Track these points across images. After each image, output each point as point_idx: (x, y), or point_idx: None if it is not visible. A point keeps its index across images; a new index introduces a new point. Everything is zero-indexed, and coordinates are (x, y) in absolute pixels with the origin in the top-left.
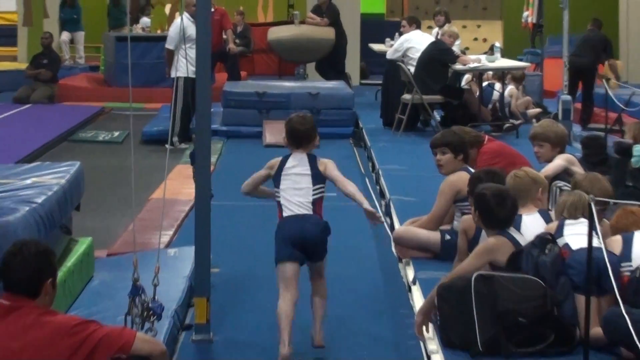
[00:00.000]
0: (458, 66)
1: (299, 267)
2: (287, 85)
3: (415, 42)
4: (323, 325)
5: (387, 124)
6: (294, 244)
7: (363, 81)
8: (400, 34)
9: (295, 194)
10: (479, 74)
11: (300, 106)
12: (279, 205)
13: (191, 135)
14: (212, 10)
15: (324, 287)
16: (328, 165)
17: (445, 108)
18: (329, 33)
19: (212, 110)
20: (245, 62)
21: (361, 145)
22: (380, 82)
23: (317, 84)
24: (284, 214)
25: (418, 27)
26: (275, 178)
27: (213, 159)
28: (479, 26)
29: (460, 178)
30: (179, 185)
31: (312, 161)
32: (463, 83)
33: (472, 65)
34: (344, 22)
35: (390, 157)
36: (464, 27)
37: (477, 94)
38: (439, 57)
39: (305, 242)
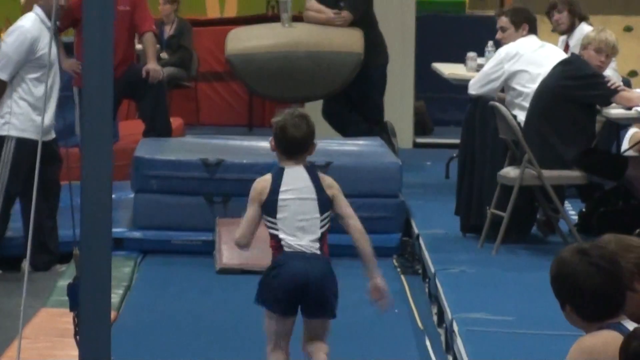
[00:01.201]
0: (616, 111)
1: (294, 321)
2: (266, 146)
3: (527, 60)
4: None
5: (470, 229)
6: (294, 291)
7: (421, 139)
8: (497, 44)
9: (299, 227)
10: None
11: None
12: (274, 237)
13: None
14: None
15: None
16: (337, 195)
17: (589, 196)
18: (352, 41)
19: (112, 197)
20: (181, 99)
21: (416, 272)
22: (455, 141)
23: (328, 145)
24: (284, 249)
25: (533, 30)
26: (268, 204)
27: (114, 298)
28: None
29: (603, 341)
30: (46, 349)
31: (315, 180)
32: (625, 145)
33: None
34: (384, 20)
35: (475, 297)
36: (628, 29)
37: None
38: (575, 92)
39: (309, 291)
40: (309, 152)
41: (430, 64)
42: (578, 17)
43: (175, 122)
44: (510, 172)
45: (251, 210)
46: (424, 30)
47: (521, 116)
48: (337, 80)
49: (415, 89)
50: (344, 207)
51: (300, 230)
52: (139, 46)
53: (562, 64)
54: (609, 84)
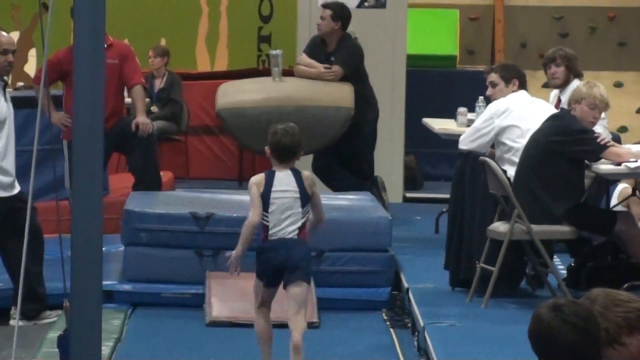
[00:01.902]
0: (605, 167)
1: (277, 290)
2: None
3: (518, 115)
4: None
5: (459, 283)
6: (274, 270)
7: (411, 194)
8: (488, 100)
9: (284, 219)
10: None
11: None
12: (265, 227)
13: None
14: (106, 45)
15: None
16: (315, 192)
17: (578, 251)
18: (342, 96)
19: (102, 250)
20: (171, 153)
21: (405, 326)
22: (445, 196)
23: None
24: (270, 238)
25: (523, 85)
26: (262, 200)
27: (104, 350)
28: None
29: None
30: None
31: (299, 180)
32: (614, 200)
33: (633, 164)
34: (375, 74)
35: (464, 351)
36: (618, 85)
37: None
38: (565, 147)
39: (286, 266)
40: (297, 157)
41: (420, 118)
42: (574, 73)
43: (165, 175)
44: (499, 226)
45: (255, 195)
46: (415, 85)
47: (511, 171)
48: (327, 135)
49: (405, 143)
50: (318, 202)
51: (285, 221)
52: (128, 100)
53: (552, 118)
54: (598, 140)
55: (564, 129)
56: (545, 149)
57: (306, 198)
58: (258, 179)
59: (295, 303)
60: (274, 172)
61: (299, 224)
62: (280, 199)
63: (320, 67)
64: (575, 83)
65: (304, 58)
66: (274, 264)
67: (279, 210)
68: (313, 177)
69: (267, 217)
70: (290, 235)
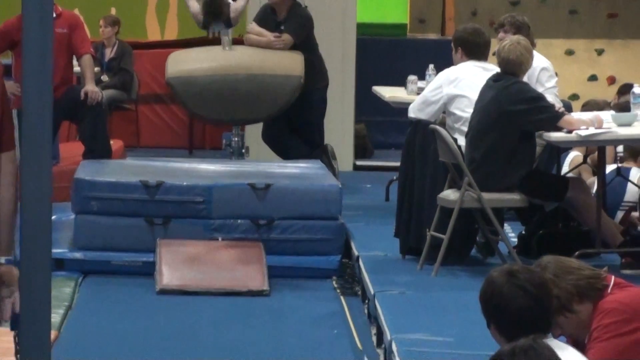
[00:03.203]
0: (556, 134)
1: None
2: (206, 169)
3: (467, 84)
4: None
5: (410, 251)
6: None
7: (360, 162)
8: (438, 68)
9: None
10: (598, 152)
11: (232, 212)
12: None
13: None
14: (55, 14)
15: None
16: None
17: (529, 219)
18: (292, 64)
19: (52, 219)
20: (121, 122)
21: (355, 294)
22: (395, 164)
23: (268, 167)
24: None
25: (475, 55)
26: None
27: (55, 318)
28: (599, 52)
29: None
30: None
31: None
32: (565, 168)
33: (584, 132)
34: (325, 43)
35: (414, 320)
36: (569, 52)
37: (594, 189)
38: (524, 117)
39: None
40: None
41: (370, 87)
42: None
43: (116, 144)
44: (450, 194)
45: None
46: (365, 54)
47: (461, 140)
48: (277, 103)
49: (355, 112)
50: None
51: None
52: (77, 69)
53: (501, 80)
54: (550, 107)
55: (522, 97)
56: (500, 118)
57: None
58: None
59: None
60: None
61: None
62: None
63: (270, 36)
64: None
65: (254, 27)
66: None
67: None
68: None
69: None
70: None
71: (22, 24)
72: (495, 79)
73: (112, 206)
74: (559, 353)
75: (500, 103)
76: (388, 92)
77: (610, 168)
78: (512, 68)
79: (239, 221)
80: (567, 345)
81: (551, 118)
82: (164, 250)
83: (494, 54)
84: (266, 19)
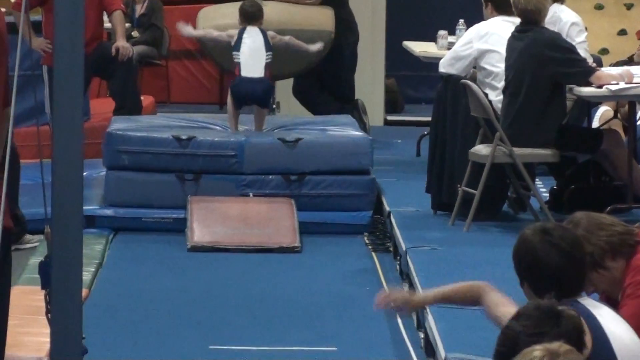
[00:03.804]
0: (587, 89)
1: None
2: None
3: (497, 38)
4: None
5: (441, 207)
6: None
7: (392, 117)
8: (468, 23)
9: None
10: (629, 106)
11: (264, 167)
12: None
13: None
14: None
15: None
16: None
17: (560, 174)
18: (322, 19)
19: (84, 174)
20: (152, 77)
21: (387, 250)
22: (426, 119)
23: (299, 122)
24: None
25: (505, 10)
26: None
27: (86, 276)
28: (629, 7)
29: None
30: (18, 326)
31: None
32: (596, 123)
33: (614, 87)
34: None
35: (446, 275)
36: (598, 7)
37: (627, 143)
38: (550, 60)
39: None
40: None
41: (401, 41)
42: None
43: (146, 100)
44: (481, 149)
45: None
46: (395, 8)
47: (492, 95)
48: (307, 59)
49: (386, 66)
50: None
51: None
52: (108, 25)
53: (535, 35)
54: (586, 62)
55: (557, 44)
56: (535, 65)
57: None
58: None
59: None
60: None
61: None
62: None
63: None
64: (554, 7)
65: None
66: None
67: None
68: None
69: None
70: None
71: None
72: (519, 30)
73: (144, 160)
74: (593, 311)
75: (535, 49)
76: (418, 47)
77: None
78: (532, 17)
79: (270, 177)
80: (601, 303)
81: (583, 72)
82: (195, 207)
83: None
84: None
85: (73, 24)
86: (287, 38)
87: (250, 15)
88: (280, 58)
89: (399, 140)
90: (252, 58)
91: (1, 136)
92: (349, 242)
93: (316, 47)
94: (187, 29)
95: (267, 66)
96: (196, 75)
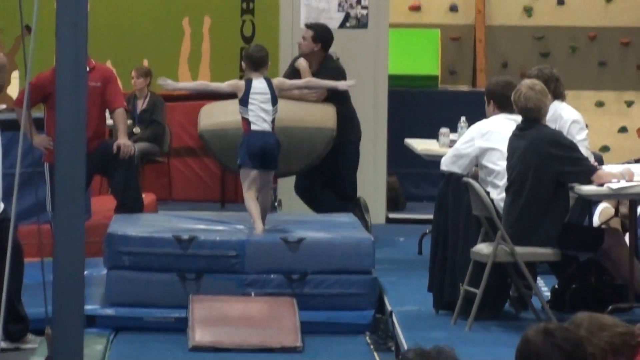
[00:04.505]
0: (588, 188)
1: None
2: (239, 222)
3: (499, 137)
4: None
5: (443, 306)
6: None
7: (393, 215)
8: (470, 120)
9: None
10: (630, 205)
11: (265, 267)
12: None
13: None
14: (89, 68)
15: (270, 195)
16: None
17: (562, 272)
18: (324, 117)
19: (85, 273)
20: (153, 175)
21: (389, 349)
22: (428, 217)
23: (301, 221)
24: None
25: (507, 108)
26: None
27: None
28: (629, 104)
29: None
30: None
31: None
32: (596, 220)
33: (615, 185)
34: (357, 95)
35: None
36: (599, 104)
37: (628, 242)
38: (552, 157)
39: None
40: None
41: (403, 139)
42: (553, 94)
43: (148, 197)
44: (483, 248)
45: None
46: (397, 106)
47: (494, 193)
48: (310, 156)
49: (388, 164)
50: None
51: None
52: (110, 121)
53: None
54: (588, 161)
55: (558, 142)
56: (537, 163)
57: (275, 98)
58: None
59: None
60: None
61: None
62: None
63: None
64: (555, 104)
65: (301, 62)
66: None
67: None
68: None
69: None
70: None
71: (56, 77)
72: (520, 128)
73: (145, 261)
74: None
75: (537, 147)
76: (420, 145)
77: None
78: (533, 115)
79: (272, 276)
80: None
81: (585, 172)
82: (197, 306)
83: None
84: (298, 71)
85: (75, 122)
86: (302, 82)
87: (258, 61)
88: (283, 156)
89: (400, 238)
90: (262, 112)
91: None
92: (351, 342)
93: (344, 84)
94: (171, 83)
95: (273, 121)
96: (198, 172)
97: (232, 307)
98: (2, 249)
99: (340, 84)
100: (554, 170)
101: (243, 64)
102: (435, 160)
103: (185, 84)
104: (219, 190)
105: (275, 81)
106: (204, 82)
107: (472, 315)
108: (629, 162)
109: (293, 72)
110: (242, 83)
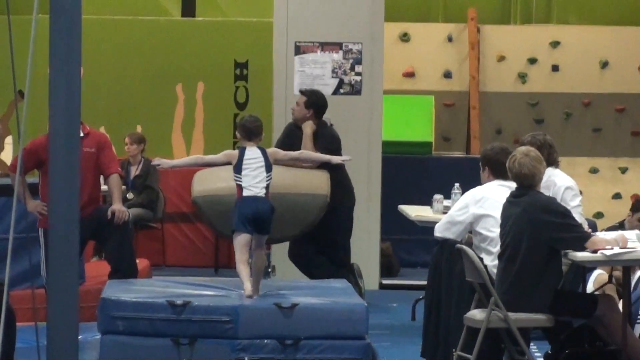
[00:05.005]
0: (582, 254)
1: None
2: (233, 288)
3: (493, 203)
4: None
5: None
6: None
7: (387, 281)
8: (464, 187)
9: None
10: (623, 271)
11: (259, 332)
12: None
13: None
14: (83, 134)
15: (264, 256)
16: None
17: (555, 338)
18: (318, 183)
19: (79, 338)
20: (147, 240)
21: None
22: (421, 283)
23: (294, 286)
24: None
25: (501, 175)
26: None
27: None
28: (623, 170)
29: None
30: None
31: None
32: (590, 286)
33: (609, 252)
34: (351, 162)
35: None
36: (593, 171)
37: (621, 308)
38: (546, 224)
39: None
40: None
41: (396, 205)
42: (546, 160)
43: (142, 263)
44: (476, 314)
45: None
46: (391, 172)
47: (487, 260)
48: (303, 223)
49: (381, 230)
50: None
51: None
52: (104, 187)
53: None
54: (582, 228)
55: (552, 208)
56: (530, 229)
57: (269, 166)
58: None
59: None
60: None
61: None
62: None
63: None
64: (549, 171)
65: (308, 126)
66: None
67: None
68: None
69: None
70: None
71: (49, 143)
72: (514, 194)
73: (139, 326)
74: None
75: (530, 214)
76: (414, 211)
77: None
78: (527, 181)
79: (266, 341)
80: None
81: (579, 238)
82: None
83: None
84: (292, 137)
85: (69, 188)
86: (296, 154)
87: (252, 131)
88: (277, 222)
89: (394, 304)
90: (254, 179)
91: None
92: None
93: (338, 159)
94: (166, 162)
95: (267, 187)
96: (192, 238)
97: None
98: None
99: (335, 159)
100: (548, 236)
101: (237, 133)
102: (428, 226)
103: (180, 160)
104: (213, 256)
105: (270, 150)
106: (198, 156)
107: None
108: (613, 226)
109: (288, 136)
110: (235, 152)
